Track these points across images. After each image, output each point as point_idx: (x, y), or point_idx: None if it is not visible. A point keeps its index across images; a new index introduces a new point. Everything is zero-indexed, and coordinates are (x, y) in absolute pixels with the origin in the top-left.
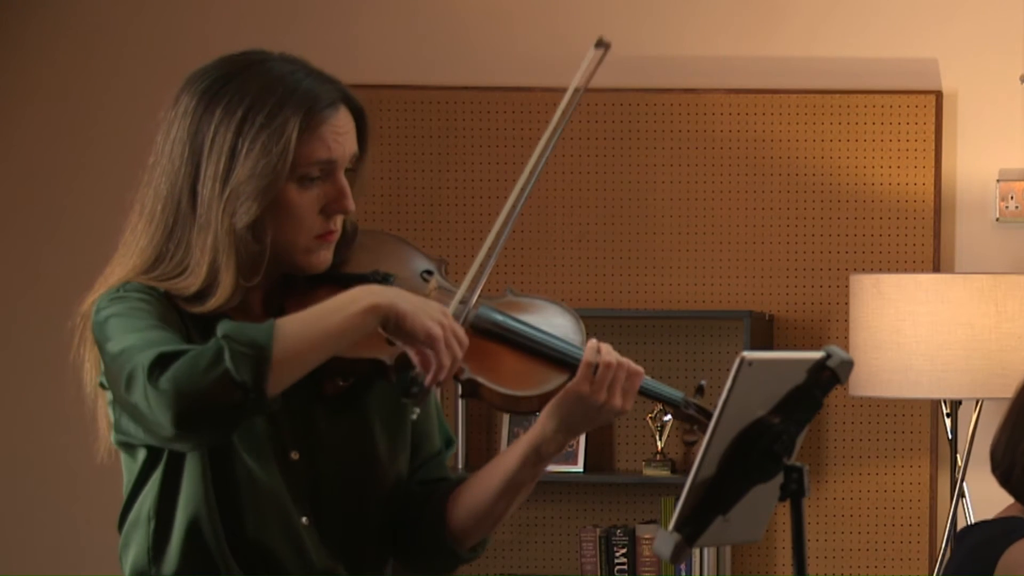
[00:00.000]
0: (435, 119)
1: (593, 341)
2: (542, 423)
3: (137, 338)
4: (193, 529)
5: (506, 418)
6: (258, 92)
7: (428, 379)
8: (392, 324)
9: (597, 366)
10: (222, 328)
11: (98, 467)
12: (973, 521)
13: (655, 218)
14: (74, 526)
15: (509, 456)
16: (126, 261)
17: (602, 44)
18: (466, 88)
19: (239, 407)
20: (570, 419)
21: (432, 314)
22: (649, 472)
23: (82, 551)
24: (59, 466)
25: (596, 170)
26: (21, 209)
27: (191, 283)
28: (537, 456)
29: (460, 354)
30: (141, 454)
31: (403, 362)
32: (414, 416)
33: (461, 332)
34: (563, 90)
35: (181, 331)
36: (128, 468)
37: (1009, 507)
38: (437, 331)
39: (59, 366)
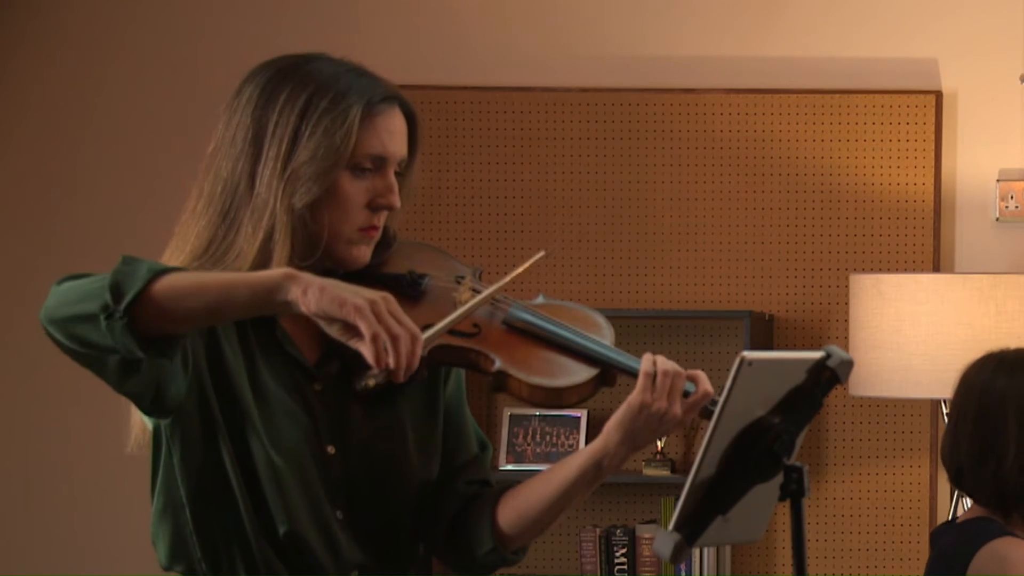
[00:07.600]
0: (435, 119)
1: (648, 354)
2: (606, 436)
3: None
4: (222, 516)
5: (507, 418)
6: (321, 81)
7: (372, 358)
8: (310, 298)
9: (655, 375)
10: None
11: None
12: None
13: (655, 218)
14: (74, 523)
15: (568, 466)
16: (183, 244)
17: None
18: (466, 88)
19: (99, 317)
20: (634, 431)
21: (361, 292)
22: (649, 472)
23: (82, 552)
24: (65, 464)
25: (596, 170)
26: (21, 209)
27: (239, 266)
28: (597, 469)
29: (403, 332)
30: (160, 439)
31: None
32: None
33: (404, 317)
34: (564, 90)
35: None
36: (154, 455)
37: (973, 507)
38: (361, 302)
39: (64, 361)
